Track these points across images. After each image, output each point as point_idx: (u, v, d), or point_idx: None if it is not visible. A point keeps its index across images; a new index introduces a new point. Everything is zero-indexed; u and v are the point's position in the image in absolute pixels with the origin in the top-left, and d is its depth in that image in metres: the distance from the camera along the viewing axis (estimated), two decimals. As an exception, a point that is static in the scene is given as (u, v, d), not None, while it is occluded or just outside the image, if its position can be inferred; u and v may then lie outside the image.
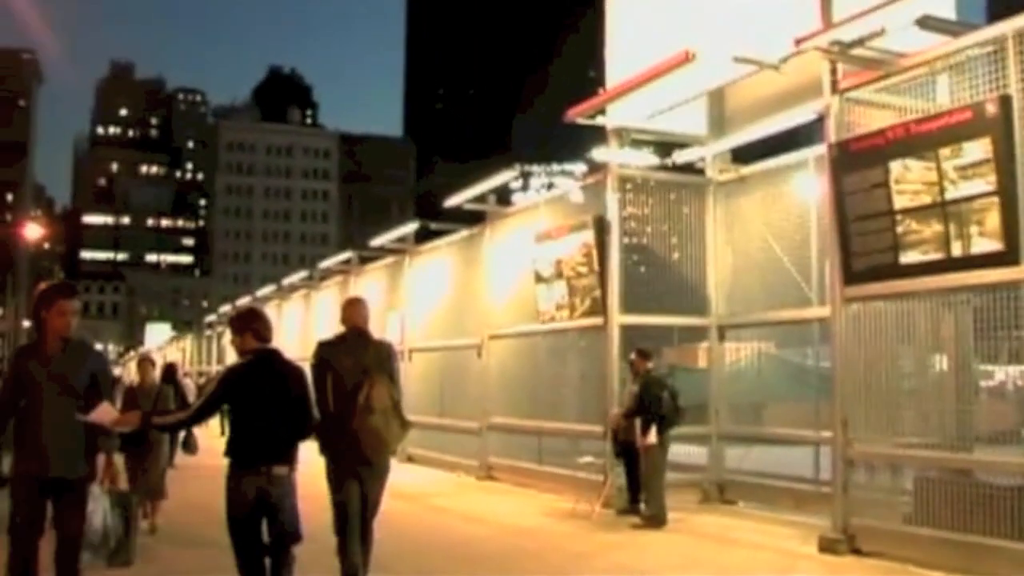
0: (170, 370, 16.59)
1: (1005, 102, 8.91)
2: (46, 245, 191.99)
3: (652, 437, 12.64)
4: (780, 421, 15.36)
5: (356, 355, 8.10)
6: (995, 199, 8.91)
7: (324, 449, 7.98)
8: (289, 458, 6.98)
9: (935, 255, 9.52)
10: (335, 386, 7.89)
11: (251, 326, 7.37)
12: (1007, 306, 9.20)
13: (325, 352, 8.26)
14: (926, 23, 9.92)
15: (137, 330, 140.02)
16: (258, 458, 6.84)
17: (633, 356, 13.47)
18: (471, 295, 19.31)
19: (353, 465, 7.86)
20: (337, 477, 7.96)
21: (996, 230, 8.94)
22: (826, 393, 11.68)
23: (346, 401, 7.75)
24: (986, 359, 10.67)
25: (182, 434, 14.44)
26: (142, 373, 13.50)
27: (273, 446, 6.92)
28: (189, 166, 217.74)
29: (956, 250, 9.31)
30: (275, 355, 7.35)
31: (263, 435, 6.89)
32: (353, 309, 8.71)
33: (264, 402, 6.96)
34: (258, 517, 6.89)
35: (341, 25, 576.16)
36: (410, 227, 22.93)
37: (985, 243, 9.06)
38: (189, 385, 24.53)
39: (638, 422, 12.92)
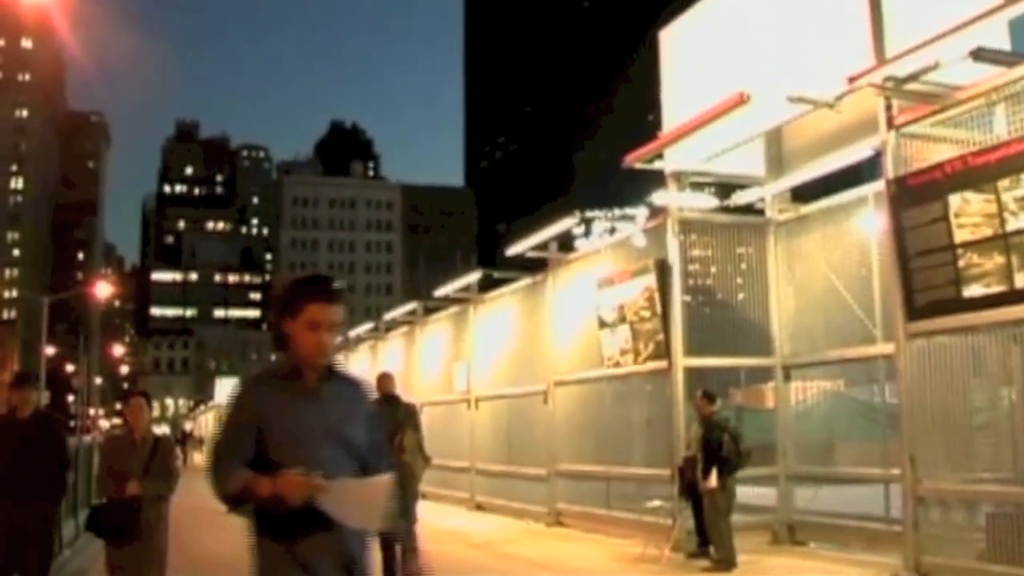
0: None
1: (1063, 132, 8.87)
2: (117, 303, 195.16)
3: (713, 481, 12.58)
4: (849, 460, 15.22)
5: (392, 413, 11.27)
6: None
7: None
8: None
9: (998, 287, 9.46)
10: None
11: None
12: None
13: None
14: (980, 55, 9.89)
15: (207, 384, 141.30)
16: None
17: (698, 398, 13.44)
18: (536, 342, 19.36)
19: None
20: None
21: (1000, 272, 8.89)
22: (895, 430, 11.59)
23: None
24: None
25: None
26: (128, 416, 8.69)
27: None
28: (254, 221, 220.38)
29: (1020, 282, 9.25)
30: None
31: None
32: (386, 381, 12.43)
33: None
34: None
35: (401, 78, 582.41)
36: (473, 276, 23.05)
37: (989, 286, 9.00)
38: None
39: (700, 465, 12.88)
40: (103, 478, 8.51)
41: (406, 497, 10.93)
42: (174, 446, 9.26)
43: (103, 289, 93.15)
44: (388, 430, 9.70)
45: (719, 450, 12.67)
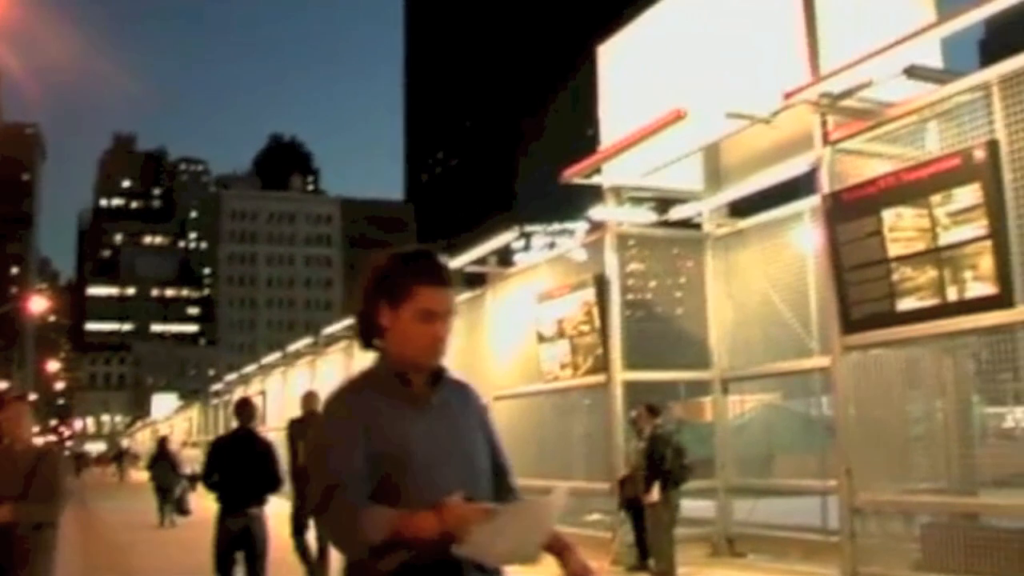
0: (162, 444, 17.32)
1: (992, 147, 9.01)
2: (52, 317, 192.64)
3: (655, 495, 12.62)
4: (788, 472, 15.36)
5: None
6: (987, 243, 8.99)
7: (294, 492, 12.32)
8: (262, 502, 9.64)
9: (931, 301, 9.58)
10: (304, 450, 11.69)
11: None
12: (1005, 349, 9.26)
13: (297, 428, 12.85)
14: (913, 72, 10.05)
15: (144, 400, 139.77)
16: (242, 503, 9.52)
17: (636, 413, 13.47)
18: (475, 356, 19.33)
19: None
20: (294, 508, 12.44)
21: (990, 274, 9.01)
22: (832, 442, 11.69)
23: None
24: (993, 402, 10.70)
25: (177, 493, 15.40)
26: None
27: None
28: (192, 236, 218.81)
29: (951, 295, 9.38)
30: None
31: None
32: (313, 399, 13.10)
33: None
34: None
35: (340, 92, 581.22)
36: (412, 290, 22.99)
37: (979, 287, 9.12)
38: (191, 455, 24.97)
39: (642, 479, 12.92)
40: None
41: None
42: (61, 461, 7.36)
43: (38, 304, 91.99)
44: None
45: (662, 464, 12.71)
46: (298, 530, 12.43)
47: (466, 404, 3.39)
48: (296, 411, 19.84)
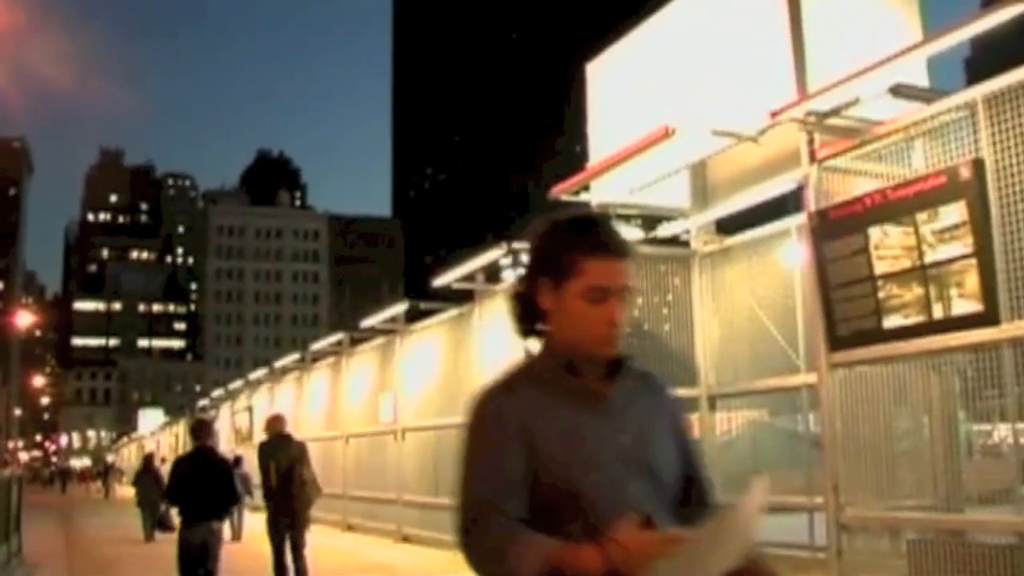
0: (148, 460, 17.63)
1: (978, 165, 9.07)
2: (38, 332, 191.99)
3: None
4: (775, 488, 15.31)
5: (287, 451, 13.16)
6: (973, 261, 9.04)
7: (268, 508, 13.17)
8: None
9: (917, 318, 9.63)
10: (276, 470, 12.84)
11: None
12: (991, 366, 9.31)
13: (267, 449, 13.43)
14: (899, 91, 10.13)
15: (130, 416, 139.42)
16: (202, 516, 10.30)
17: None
18: (462, 373, 19.36)
19: (287, 518, 12.94)
20: (274, 526, 13.08)
21: (975, 291, 9.06)
22: (819, 459, 11.71)
23: (283, 478, 12.80)
24: (979, 419, 10.73)
25: (161, 509, 15.76)
26: None
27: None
28: (179, 251, 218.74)
29: (937, 312, 9.42)
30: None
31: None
32: (279, 422, 14.02)
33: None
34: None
35: (328, 108, 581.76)
36: (399, 307, 23.04)
37: (965, 305, 9.17)
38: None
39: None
40: None
41: (303, 528, 13.16)
42: None
43: (24, 318, 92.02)
44: (285, 466, 12.79)
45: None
46: (277, 549, 13.08)
47: (654, 401, 2.79)
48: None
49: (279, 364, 35.02)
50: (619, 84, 15.01)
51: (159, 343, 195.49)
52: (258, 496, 16.50)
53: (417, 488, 21.07)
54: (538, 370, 2.68)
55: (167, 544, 15.36)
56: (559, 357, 2.66)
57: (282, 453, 13.02)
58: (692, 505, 2.75)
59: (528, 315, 2.75)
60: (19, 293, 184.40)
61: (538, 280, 2.67)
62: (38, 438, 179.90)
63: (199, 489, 10.29)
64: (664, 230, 15.41)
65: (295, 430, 25.30)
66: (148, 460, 17.09)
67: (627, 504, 2.45)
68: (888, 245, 9.88)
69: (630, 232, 15.50)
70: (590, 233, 2.64)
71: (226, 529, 13.13)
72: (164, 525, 15.58)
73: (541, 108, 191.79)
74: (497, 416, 2.57)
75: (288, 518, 12.91)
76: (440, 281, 18.86)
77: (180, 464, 11.01)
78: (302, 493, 12.90)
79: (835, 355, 10.69)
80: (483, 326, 18.60)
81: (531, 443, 2.51)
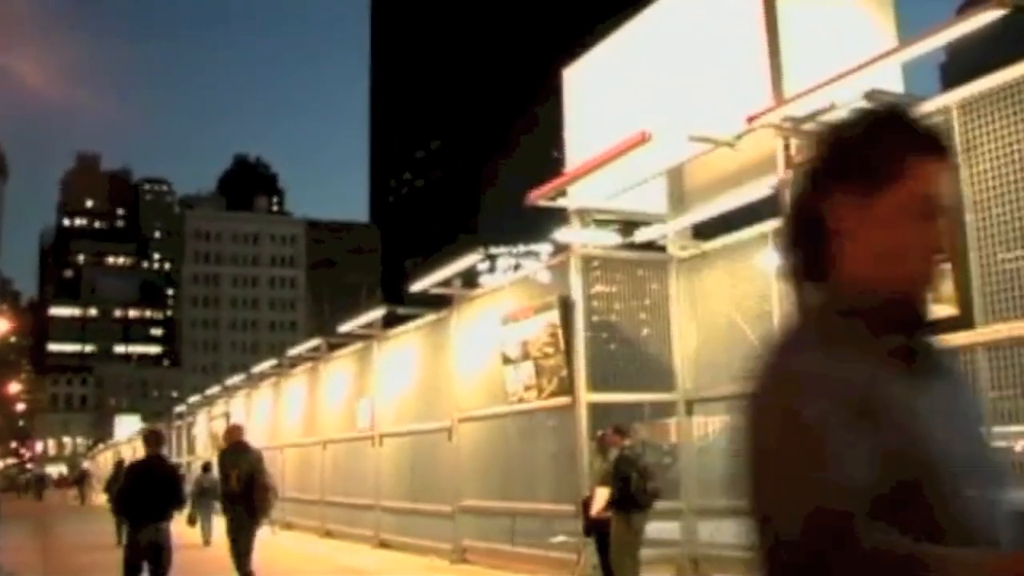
0: (119, 467, 17.97)
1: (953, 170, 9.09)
2: (12, 339, 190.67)
3: (599, 503, 12.56)
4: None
5: (247, 457, 13.87)
6: (947, 265, 9.07)
7: (226, 511, 13.82)
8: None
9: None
10: (237, 476, 13.50)
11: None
12: (966, 369, 9.33)
13: (227, 457, 14.17)
14: (874, 97, 10.14)
15: (107, 422, 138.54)
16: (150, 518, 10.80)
17: (602, 432, 13.43)
18: (440, 378, 19.31)
19: (246, 517, 13.51)
20: (234, 526, 13.66)
21: (950, 296, 9.10)
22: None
23: (243, 483, 13.45)
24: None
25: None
26: None
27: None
28: (156, 256, 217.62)
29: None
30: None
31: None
32: (237, 431, 15.10)
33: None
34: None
35: (306, 113, 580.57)
36: (377, 313, 22.98)
37: (940, 308, 9.20)
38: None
39: (598, 496, 12.85)
40: None
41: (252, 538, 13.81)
42: None
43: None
44: (247, 472, 13.52)
45: (626, 485, 12.66)
46: (237, 553, 13.59)
47: (962, 375, 2.11)
48: (258, 435, 19.93)
49: (256, 370, 34.88)
50: (596, 90, 15.04)
51: (136, 349, 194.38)
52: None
53: (395, 493, 21.02)
54: (842, 327, 1.81)
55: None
56: (871, 305, 1.82)
57: (243, 460, 13.84)
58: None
59: (809, 243, 1.90)
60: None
61: (833, 190, 1.86)
62: (13, 445, 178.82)
63: (148, 494, 10.83)
64: (641, 235, 15.44)
65: (273, 436, 25.28)
66: (120, 467, 17.55)
67: (979, 503, 1.77)
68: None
69: (607, 237, 15.52)
70: (919, 128, 1.90)
71: (197, 533, 14.28)
72: None
73: (519, 114, 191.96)
74: (833, 393, 1.70)
75: (251, 519, 13.69)
76: (417, 286, 18.84)
77: (133, 470, 11.86)
78: (265, 498, 13.71)
79: (811, 360, 10.69)
80: (460, 331, 18.56)
81: (874, 428, 1.69)
